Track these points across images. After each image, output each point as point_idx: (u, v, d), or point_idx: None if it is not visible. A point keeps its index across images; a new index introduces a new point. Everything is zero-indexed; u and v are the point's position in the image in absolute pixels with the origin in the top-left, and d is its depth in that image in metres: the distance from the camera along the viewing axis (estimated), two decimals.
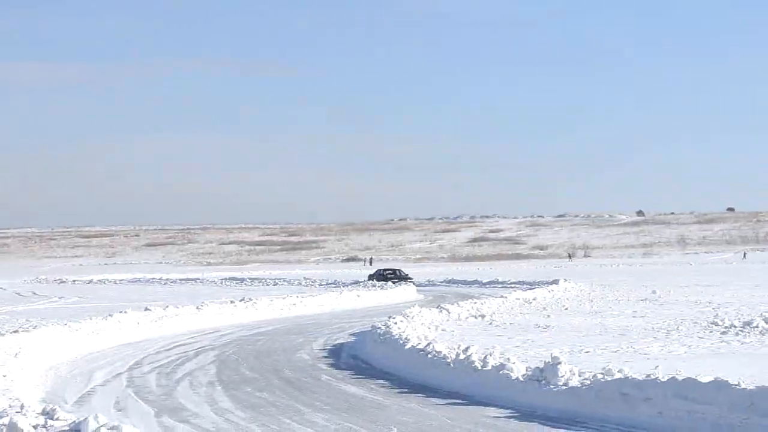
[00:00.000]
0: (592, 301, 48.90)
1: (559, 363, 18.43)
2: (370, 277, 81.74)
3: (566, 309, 42.95)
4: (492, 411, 17.42)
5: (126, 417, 17.37)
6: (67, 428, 12.48)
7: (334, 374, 23.64)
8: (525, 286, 69.45)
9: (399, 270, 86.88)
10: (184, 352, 29.78)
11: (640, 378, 16.82)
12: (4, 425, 12.94)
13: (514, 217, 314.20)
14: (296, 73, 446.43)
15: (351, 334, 34.67)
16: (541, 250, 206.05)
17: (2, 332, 30.04)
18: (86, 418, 12.52)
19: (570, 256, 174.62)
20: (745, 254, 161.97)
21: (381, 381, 22.10)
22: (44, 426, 12.98)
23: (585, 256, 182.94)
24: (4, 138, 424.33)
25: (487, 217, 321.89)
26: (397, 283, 71.42)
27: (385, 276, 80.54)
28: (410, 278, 79.46)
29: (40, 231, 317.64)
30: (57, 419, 13.44)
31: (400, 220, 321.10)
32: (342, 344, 31.34)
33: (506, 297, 49.83)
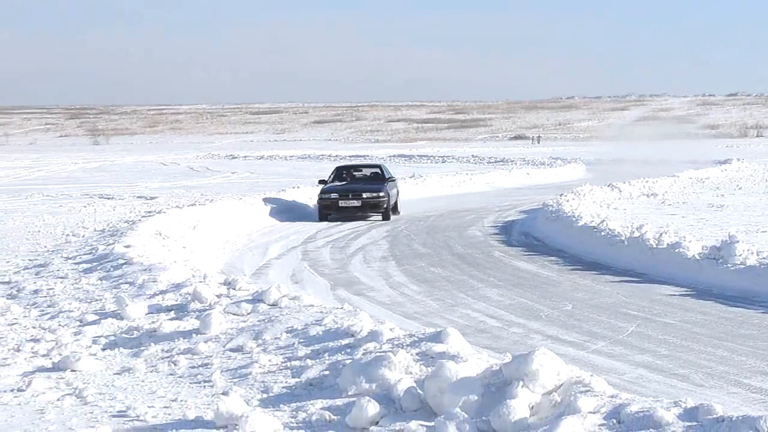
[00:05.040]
0: (767, 180, 47.88)
1: (737, 242, 18.12)
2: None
3: (740, 188, 42.18)
4: (667, 289, 17.24)
5: (302, 289, 17.61)
6: (249, 298, 12.75)
7: (506, 251, 23.65)
8: (697, 165, 68.32)
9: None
10: (356, 226, 30.14)
11: None
12: (189, 294, 13.32)
13: (684, 96, 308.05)
14: None
15: (521, 212, 34.59)
16: (712, 129, 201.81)
17: (180, 205, 30.85)
18: (269, 288, 12.79)
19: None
20: None
21: (553, 258, 22.03)
22: (227, 295, 13.28)
23: (758, 135, 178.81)
24: (175, 16, 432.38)
25: (656, 95, 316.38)
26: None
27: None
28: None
29: (210, 107, 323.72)
30: (239, 289, 13.75)
31: (568, 98, 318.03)
32: (512, 221, 31.33)
33: (678, 176, 49.15)
